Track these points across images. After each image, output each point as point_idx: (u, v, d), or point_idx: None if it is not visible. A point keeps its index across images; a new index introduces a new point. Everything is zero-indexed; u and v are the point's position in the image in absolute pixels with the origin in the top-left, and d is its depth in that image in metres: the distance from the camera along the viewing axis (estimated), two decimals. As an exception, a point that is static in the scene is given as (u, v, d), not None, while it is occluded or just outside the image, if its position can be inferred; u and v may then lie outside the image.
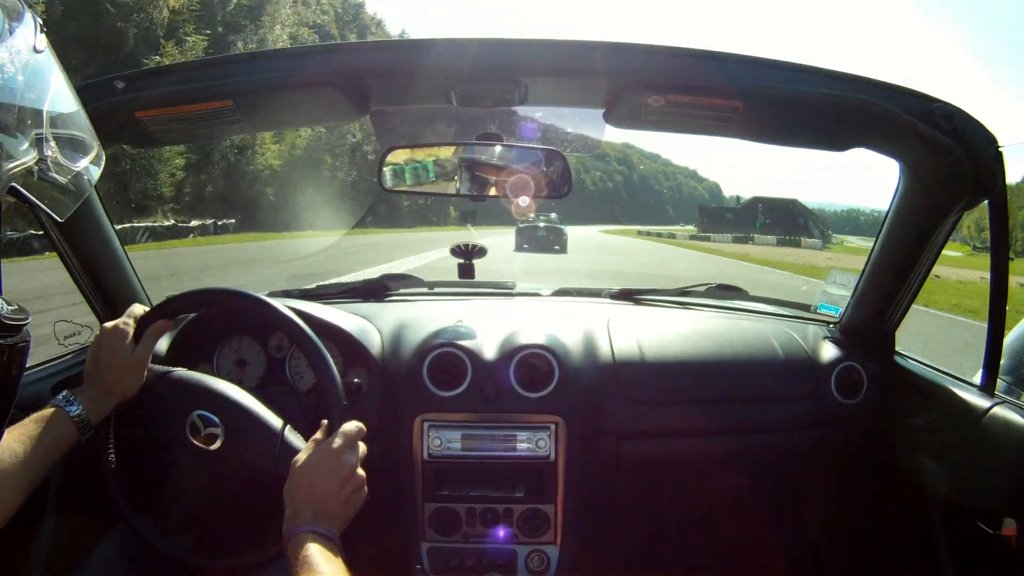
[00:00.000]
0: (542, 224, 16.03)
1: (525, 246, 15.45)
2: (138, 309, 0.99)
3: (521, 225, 15.46)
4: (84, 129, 0.60)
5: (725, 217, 63.71)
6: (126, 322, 0.96)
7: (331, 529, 0.79)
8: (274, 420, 0.95)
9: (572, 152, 1.29)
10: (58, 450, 0.86)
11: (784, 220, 57.41)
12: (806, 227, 57.30)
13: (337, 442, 0.84)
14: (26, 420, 0.84)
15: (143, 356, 0.96)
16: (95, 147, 0.61)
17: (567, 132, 1.39)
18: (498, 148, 1.19)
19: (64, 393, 0.89)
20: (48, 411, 0.87)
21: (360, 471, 0.86)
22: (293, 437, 0.95)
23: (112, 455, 0.96)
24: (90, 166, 0.61)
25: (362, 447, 0.88)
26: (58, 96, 0.56)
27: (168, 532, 0.94)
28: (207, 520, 0.96)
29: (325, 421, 0.89)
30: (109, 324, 0.96)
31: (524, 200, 1.17)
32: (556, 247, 16.27)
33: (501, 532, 1.26)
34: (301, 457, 0.84)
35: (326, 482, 0.81)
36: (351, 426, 0.87)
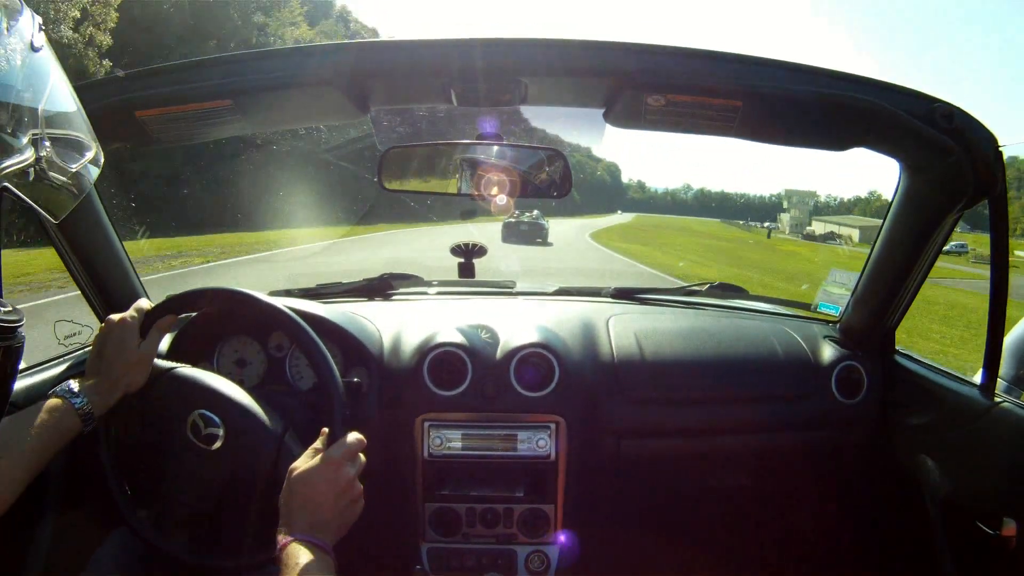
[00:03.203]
0: (525, 219, 17.86)
1: (512, 239, 17.18)
2: (145, 303, 0.99)
3: (507, 220, 17.18)
4: (82, 129, 0.59)
5: None
6: (133, 315, 0.96)
7: (325, 540, 0.78)
8: (275, 424, 0.95)
9: (572, 152, 1.28)
10: (61, 441, 0.85)
11: None
12: None
13: (337, 453, 0.83)
14: (30, 408, 0.83)
15: (150, 350, 0.95)
16: (93, 147, 0.61)
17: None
18: (497, 148, 1.19)
19: (69, 385, 0.88)
20: (53, 402, 0.85)
21: (358, 484, 0.85)
22: (293, 443, 0.94)
23: (110, 450, 0.95)
24: (88, 166, 0.60)
25: (361, 458, 0.87)
26: (55, 95, 0.55)
27: (165, 529, 0.94)
28: (204, 519, 0.95)
29: (326, 430, 0.88)
30: (115, 316, 0.95)
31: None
32: (538, 240, 18.27)
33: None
34: (300, 465, 0.83)
35: (323, 492, 0.80)
36: (352, 437, 0.86)
